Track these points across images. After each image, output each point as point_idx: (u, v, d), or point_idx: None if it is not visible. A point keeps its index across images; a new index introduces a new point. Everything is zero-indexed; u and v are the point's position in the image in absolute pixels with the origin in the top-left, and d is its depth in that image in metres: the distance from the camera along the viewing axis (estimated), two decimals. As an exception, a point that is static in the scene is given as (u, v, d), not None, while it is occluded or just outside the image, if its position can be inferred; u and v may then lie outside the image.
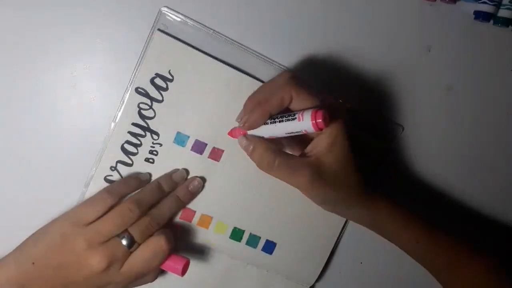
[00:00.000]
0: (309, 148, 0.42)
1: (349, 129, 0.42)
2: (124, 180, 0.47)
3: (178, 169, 0.48)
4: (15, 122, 0.45)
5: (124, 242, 0.42)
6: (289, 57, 0.49)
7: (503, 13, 0.50)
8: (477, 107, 0.55)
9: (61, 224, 0.43)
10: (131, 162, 0.47)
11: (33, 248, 0.42)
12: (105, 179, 0.47)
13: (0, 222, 0.47)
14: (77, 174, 0.47)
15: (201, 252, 0.51)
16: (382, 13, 0.50)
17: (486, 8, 0.50)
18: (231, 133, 0.46)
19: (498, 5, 0.50)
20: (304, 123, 0.39)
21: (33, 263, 0.41)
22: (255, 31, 0.48)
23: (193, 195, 0.49)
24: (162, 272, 0.50)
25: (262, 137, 0.43)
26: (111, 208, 0.43)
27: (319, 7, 0.49)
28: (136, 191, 0.46)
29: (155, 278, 0.47)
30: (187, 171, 0.49)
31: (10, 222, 0.44)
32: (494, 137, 0.56)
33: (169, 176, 0.48)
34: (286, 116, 0.40)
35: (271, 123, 0.41)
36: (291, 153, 0.44)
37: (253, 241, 0.52)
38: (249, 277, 0.53)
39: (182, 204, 0.49)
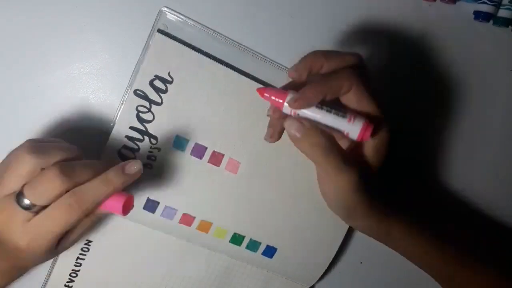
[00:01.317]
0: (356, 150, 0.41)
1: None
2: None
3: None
4: (14, 123, 0.45)
5: (20, 200, 0.37)
6: (289, 58, 0.48)
7: (502, 13, 0.51)
8: (477, 107, 0.55)
9: None
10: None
11: None
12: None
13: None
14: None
15: (200, 251, 0.50)
16: (381, 13, 0.50)
17: (486, 8, 0.50)
18: (262, 91, 0.39)
19: (498, 5, 0.50)
20: (351, 127, 0.36)
21: None
22: (255, 31, 0.47)
23: (127, 177, 0.39)
24: (162, 270, 0.49)
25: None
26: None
27: (319, 7, 0.48)
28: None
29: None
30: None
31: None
32: (494, 136, 0.57)
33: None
34: (336, 110, 0.37)
35: (316, 107, 0.37)
36: None
37: (253, 246, 0.51)
38: (249, 277, 0.53)
39: (111, 187, 0.39)
